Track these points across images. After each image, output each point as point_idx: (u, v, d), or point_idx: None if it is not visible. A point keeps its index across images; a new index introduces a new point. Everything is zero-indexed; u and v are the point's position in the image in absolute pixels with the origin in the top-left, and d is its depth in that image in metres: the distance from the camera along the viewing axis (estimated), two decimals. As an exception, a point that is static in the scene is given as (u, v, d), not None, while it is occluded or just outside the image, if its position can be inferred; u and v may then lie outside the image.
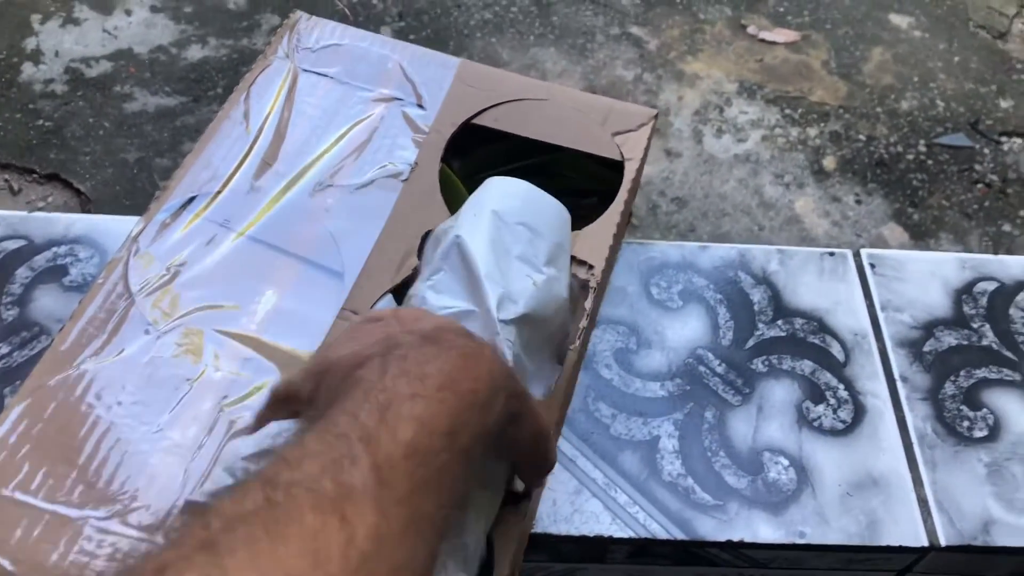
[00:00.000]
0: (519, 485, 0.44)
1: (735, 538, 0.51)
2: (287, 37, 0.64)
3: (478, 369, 0.33)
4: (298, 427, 0.35)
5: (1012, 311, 0.62)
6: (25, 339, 0.56)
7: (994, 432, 0.56)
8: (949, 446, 0.56)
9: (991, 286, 0.63)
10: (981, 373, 0.59)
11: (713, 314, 0.61)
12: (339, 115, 0.60)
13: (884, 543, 0.52)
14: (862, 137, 1.62)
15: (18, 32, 1.73)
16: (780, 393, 0.57)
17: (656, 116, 0.61)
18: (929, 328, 0.61)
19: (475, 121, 0.60)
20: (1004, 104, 1.68)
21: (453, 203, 0.54)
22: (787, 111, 1.65)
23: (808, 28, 1.80)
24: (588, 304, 0.52)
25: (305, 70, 0.63)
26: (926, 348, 0.60)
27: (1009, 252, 1.46)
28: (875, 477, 0.54)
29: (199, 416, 0.46)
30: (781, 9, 1.83)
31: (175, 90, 1.64)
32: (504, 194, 0.45)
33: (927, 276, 0.63)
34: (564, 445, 0.54)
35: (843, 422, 0.56)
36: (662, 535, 0.51)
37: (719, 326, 0.60)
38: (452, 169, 0.60)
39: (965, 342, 0.60)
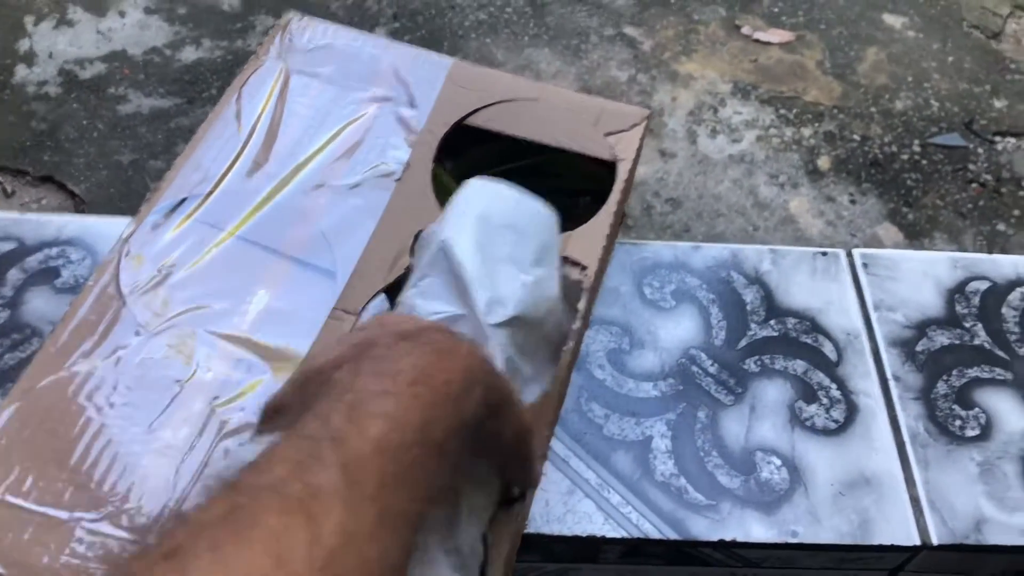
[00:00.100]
0: (516, 491, 0.44)
1: (728, 538, 0.51)
2: (279, 37, 0.64)
3: (452, 363, 0.33)
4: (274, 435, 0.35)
5: (1004, 310, 0.62)
6: (16, 341, 0.56)
7: (986, 431, 0.56)
8: (941, 445, 0.56)
9: (983, 285, 0.63)
10: (973, 372, 0.59)
11: (706, 314, 0.61)
12: (331, 115, 0.60)
13: (876, 542, 0.52)
14: (856, 137, 1.62)
15: (11, 34, 1.72)
16: (773, 393, 0.57)
17: (649, 116, 0.61)
18: (921, 327, 0.61)
19: (467, 121, 0.60)
20: (998, 104, 1.68)
21: (446, 203, 0.54)
22: (781, 111, 1.65)
23: (802, 28, 1.80)
24: (581, 305, 0.52)
25: (297, 70, 0.62)
26: (918, 347, 0.60)
27: (1003, 251, 1.46)
28: (867, 476, 0.54)
29: (190, 417, 0.46)
30: (775, 9, 1.83)
31: (169, 92, 1.63)
32: (487, 197, 0.45)
33: (919, 276, 0.64)
34: (557, 445, 0.54)
35: (835, 421, 0.56)
36: (655, 535, 0.51)
37: (712, 326, 0.60)
38: (445, 169, 0.60)
39: (957, 341, 0.60)
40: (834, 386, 0.58)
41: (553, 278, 0.46)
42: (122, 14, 1.77)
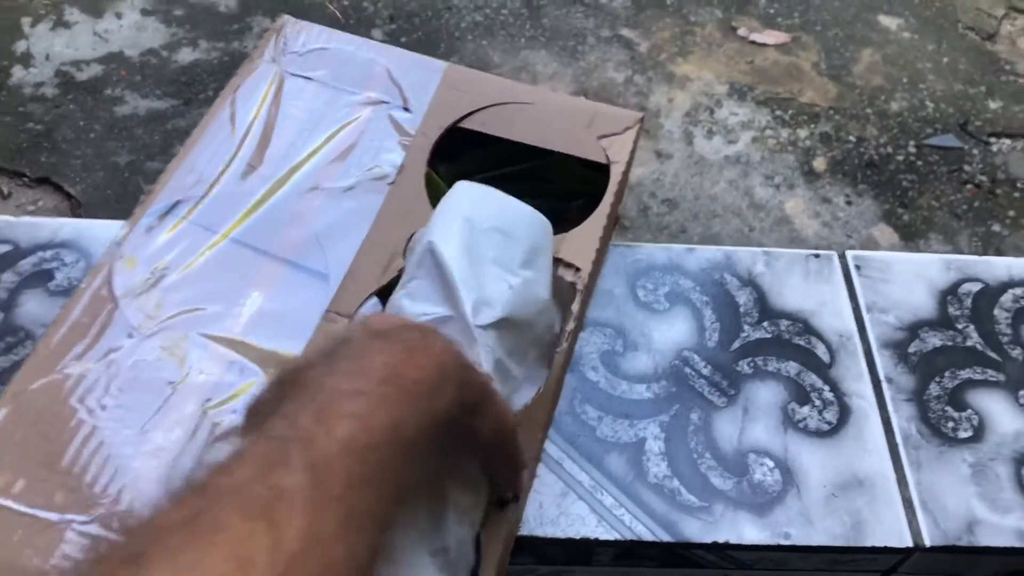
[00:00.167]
0: (510, 494, 0.44)
1: (720, 540, 0.51)
2: (273, 41, 0.64)
3: (425, 359, 0.33)
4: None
5: (996, 312, 0.62)
6: (10, 344, 0.56)
7: (978, 433, 0.57)
8: (934, 447, 0.56)
9: (976, 287, 0.63)
10: (966, 374, 0.59)
11: (699, 316, 0.61)
12: (325, 118, 0.60)
13: (869, 544, 0.52)
14: (852, 138, 1.62)
15: (8, 35, 1.72)
16: (765, 395, 0.57)
17: (642, 119, 0.62)
18: (914, 329, 0.61)
19: (461, 125, 0.60)
20: (993, 105, 1.68)
21: (438, 206, 0.54)
22: (777, 112, 1.65)
23: (798, 30, 1.80)
24: (575, 307, 0.52)
25: (292, 74, 0.63)
26: (911, 349, 0.60)
27: (999, 252, 1.47)
28: (860, 478, 0.54)
29: (182, 419, 0.46)
30: (771, 11, 1.84)
31: (166, 93, 1.63)
32: (474, 200, 0.45)
33: (912, 277, 0.64)
34: (550, 447, 0.54)
35: (828, 423, 0.56)
36: (648, 537, 0.51)
37: (705, 328, 0.60)
38: (438, 173, 0.61)
39: (950, 343, 0.61)
40: (827, 388, 0.58)
41: (543, 280, 0.46)
42: (119, 16, 1.77)
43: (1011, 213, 1.53)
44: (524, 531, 0.51)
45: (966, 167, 1.59)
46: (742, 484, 0.53)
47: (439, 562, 0.37)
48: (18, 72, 1.66)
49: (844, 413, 0.57)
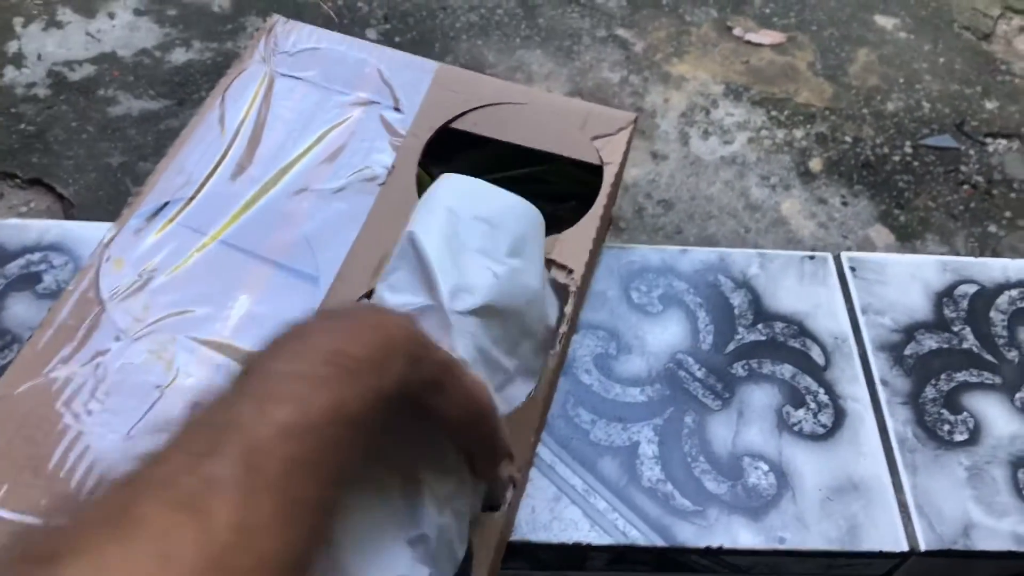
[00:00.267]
0: (502, 498, 0.44)
1: (715, 544, 0.51)
2: (264, 41, 0.64)
3: (372, 335, 0.32)
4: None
5: (992, 314, 0.62)
6: (-4, 347, 0.55)
7: (974, 436, 0.56)
8: (929, 450, 0.55)
9: (972, 289, 0.63)
10: (961, 377, 0.59)
11: (693, 318, 0.60)
12: (316, 119, 0.60)
13: (864, 548, 0.51)
14: (848, 139, 1.62)
15: (0, 35, 1.71)
16: (760, 398, 0.57)
17: (636, 120, 0.61)
18: (910, 331, 0.61)
19: (453, 125, 0.60)
20: (989, 105, 1.68)
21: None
22: (773, 113, 1.65)
23: (794, 30, 1.80)
24: (568, 308, 0.52)
25: (282, 74, 0.62)
26: (907, 352, 0.60)
27: (995, 253, 1.47)
28: (855, 482, 0.54)
29: (170, 424, 0.46)
30: (767, 11, 1.83)
31: (159, 93, 1.63)
32: (459, 191, 0.45)
33: (908, 279, 0.63)
34: (543, 451, 0.54)
35: (823, 426, 0.56)
36: (642, 542, 0.51)
37: (699, 330, 0.60)
38: (430, 174, 0.60)
39: (946, 345, 0.60)
40: (822, 391, 0.57)
41: (533, 270, 0.45)
42: (111, 16, 1.76)
43: (1007, 214, 1.53)
44: (516, 536, 0.50)
45: (962, 168, 1.59)
46: (736, 488, 0.53)
47: (418, 552, 0.36)
48: (10, 72, 1.65)
49: (839, 416, 0.56)
